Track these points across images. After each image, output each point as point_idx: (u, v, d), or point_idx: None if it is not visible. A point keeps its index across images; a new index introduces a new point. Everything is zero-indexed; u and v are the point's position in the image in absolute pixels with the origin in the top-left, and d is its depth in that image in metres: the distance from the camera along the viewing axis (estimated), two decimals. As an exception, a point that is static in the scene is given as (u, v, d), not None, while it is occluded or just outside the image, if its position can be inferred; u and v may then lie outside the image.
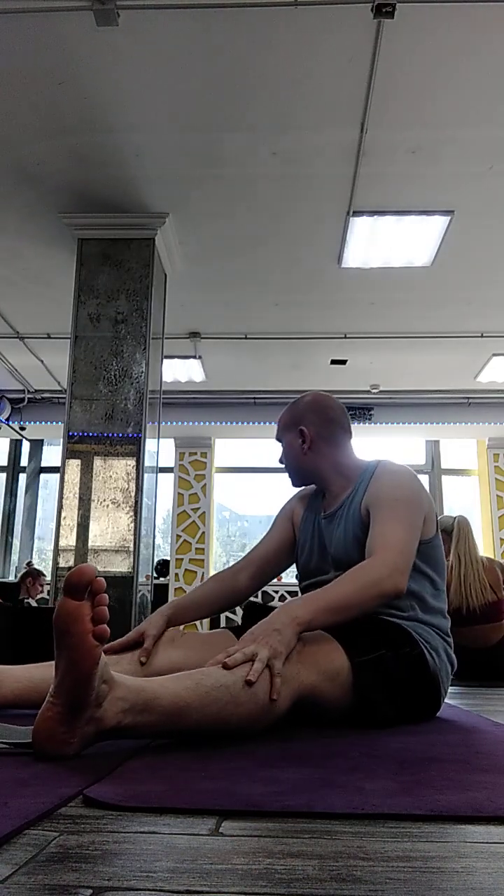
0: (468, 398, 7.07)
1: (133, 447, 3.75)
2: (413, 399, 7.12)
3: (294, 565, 1.87)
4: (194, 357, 6.11)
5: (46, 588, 6.18)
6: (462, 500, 7.94)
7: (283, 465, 1.81)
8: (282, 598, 6.66)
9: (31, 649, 2.01)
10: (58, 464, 3.98)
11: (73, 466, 3.75)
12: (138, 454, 3.74)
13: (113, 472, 3.73)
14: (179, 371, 6.41)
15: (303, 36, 2.78)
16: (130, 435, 3.77)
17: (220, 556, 8.37)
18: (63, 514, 3.69)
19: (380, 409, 7.18)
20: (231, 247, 4.41)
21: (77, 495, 3.70)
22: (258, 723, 1.22)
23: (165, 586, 7.14)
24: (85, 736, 1.04)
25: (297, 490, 1.91)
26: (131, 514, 3.66)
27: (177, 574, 7.34)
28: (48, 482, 8.20)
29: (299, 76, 3.00)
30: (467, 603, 3.17)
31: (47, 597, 6.03)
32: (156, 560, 5.76)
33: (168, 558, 7.43)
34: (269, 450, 7.79)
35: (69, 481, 3.73)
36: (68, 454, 3.76)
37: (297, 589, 1.94)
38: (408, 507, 1.57)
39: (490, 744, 1.28)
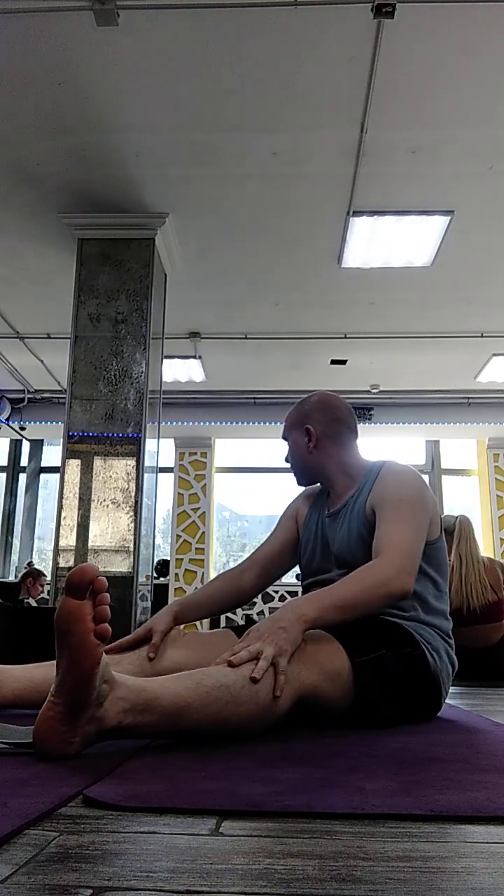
0: (468, 398, 7.07)
1: (133, 447, 3.75)
2: (413, 399, 7.12)
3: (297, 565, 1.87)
4: (194, 357, 6.11)
5: (47, 588, 6.18)
6: (462, 500, 7.94)
7: (288, 464, 1.82)
8: (282, 598, 6.65)
9: (31, 649, 2.01)
10: (58, 464, 3.98)
11: (73, 466, 3.75)
12: (138, 454, 3.74)
13: (113, 472, 3.73)
14: (179, 371, 6.41)
15: (303, 36, 2.78)
16: (130, 435, 3.77)
17: (220, 556, 8.37)
18: (63, 514, 3.69)
19: (380, 409, 7.18)
20: (231, 247, 4.41)
21: (77, 495, 3.70)
22: (259, 723, 1.22)
23: (165, 586, 7.14)
24: (86, 735, 1.04)
25: (302, 490, 1.91)
26: (131, 514, 3.67)
27: (177, 574, 7.34)
28: (48, 482, 8.20)
29: (299, 76, 3.00)
30: (468, 603, 3.17)
31: (48, 597, 6.02)
32: (156, 560, 5.76)
33: (168, 558, 7.43)
34: (269, 450, 7.80)
35: (69, 481, 3.73)
36: (68, 454, 3.76)
37: (296, 589, 1.94)
38: (413, 508, 1.57)
39: (490, 744, 1.28)
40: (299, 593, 1.72)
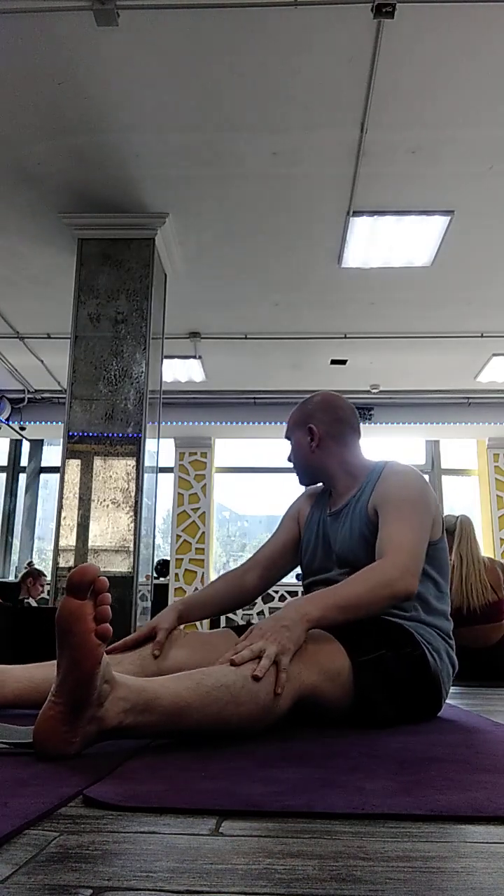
0: (468, 398, 7.07)
1: (133, 447, 3.75)
2: (413, 399, 7.12)
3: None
4: (194, 357, 6.11)
5: (47, 588, 6.18)
6: (462, 500, 7.94)
7: (291, 464, 1.82)
8: (282, 599, 6.65)
9: (31, 649, 2.01)
10: (58, 464, 3.98)
11: (73, 466, 3.75)
12: (138, 454, 3.74)
13: (113, 472, 3.73)
14: (179, 371, 6.41)
15: (303, 36, 2.78)
16: (130, 435, 3.77)
17: (220, 556, 8.37)
18: (63, 514, 3.69)
19: (380, 409, 7.18)
20: (231, 246, 4.41)
21: (77, 495, 3.70)
22: (259, 723, 1.22)
23: (165, 586, 7.14)
24: (86, 735, 1.04)
25: (304, 489, 1.91)
26: (131, 514, 3.67)
27: (177, 574, 7.34)
28: (48, 482, 8.20)
29: (299, 76, 3.00)
30: (468, 603, 3.18)
31: (48, 597, 6.02)
32: (156, 560, 5.76)
33: (168, 558, 7.43)
34: (269, 450, 7.80)
35: (69, 481, 3.73)
36: (68, 454, 3.76)
37: (296, 589, 1.94)
38: (416, 509, 1.57)
39: (490, 744, 1.28)
40: (299, 593, 1.72)
